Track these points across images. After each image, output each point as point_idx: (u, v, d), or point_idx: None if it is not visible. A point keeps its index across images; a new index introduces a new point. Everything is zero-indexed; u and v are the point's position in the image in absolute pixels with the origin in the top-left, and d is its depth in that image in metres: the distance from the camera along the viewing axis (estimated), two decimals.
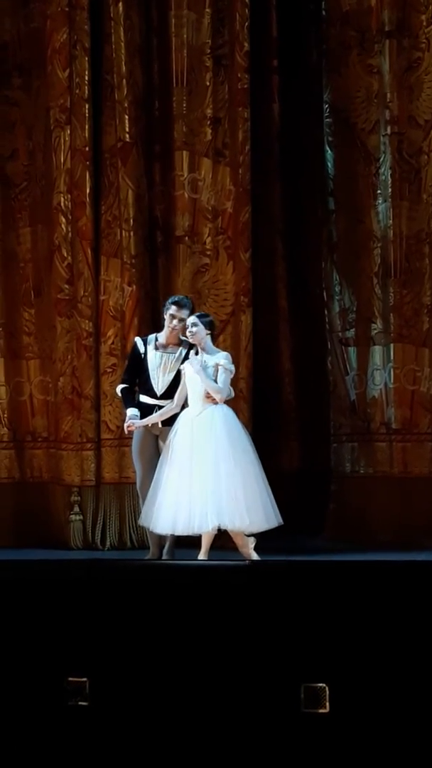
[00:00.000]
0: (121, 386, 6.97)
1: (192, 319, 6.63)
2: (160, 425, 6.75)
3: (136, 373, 6.91)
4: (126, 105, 7.78)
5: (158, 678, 5.60)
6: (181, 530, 6.39)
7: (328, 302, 7.87)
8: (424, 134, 7.47)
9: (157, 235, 7.99)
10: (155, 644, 5.62)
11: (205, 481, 6.32)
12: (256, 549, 6.49)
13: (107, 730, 5.65)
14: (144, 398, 6.84)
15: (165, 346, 6.86)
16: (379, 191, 7.61)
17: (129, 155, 7.80)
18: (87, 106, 7.83)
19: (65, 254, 7.87)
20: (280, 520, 6.46)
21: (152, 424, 6.76)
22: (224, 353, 6.67)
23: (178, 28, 7.88)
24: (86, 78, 7.83)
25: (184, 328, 6.70)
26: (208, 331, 6.62)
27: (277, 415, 7.98)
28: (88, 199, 7.84)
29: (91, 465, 7.83)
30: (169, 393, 6.75)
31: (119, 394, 6.97)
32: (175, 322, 6.80)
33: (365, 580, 5.56)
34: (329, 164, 7.82)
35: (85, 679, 5.67)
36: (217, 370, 6.53)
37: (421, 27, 7.46)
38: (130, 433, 6.88)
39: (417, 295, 7.51)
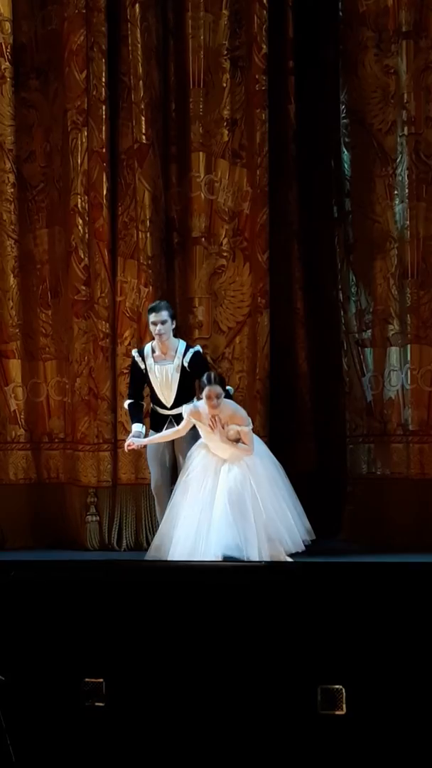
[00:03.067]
0: (127, 402, 7.15)
1: (213, 389, 6.52)
2: (174, 423, 6.80)
3: (141, 386, 7.05)
4: (143, 106, 7.79)
5: (174, 679, 5.61)
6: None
7: (345, 303, 7.86)
8: None
9: (174, 237, 7.99)
10: (171, 645, 5.62)
11: (220, 514, 6.34)
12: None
13: (123, 730, 5.65)
14: (156, 408, 6.93)
15: (162, 356, 6.96)
16: (395, 192, 7.59)
17: (146, 157, 7.81)
18: (104, 108, 7.84)
19: (82, 255, 7.88)
20: (301, 547, 6.52)
21: (167, 424, 6.79)
22: (241, 411, 6.61)
23: (194, 30, 7.88)
24: (103, 80, 7.84)
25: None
26: (224, 394, 6.59)
27: (294, 417, 7.97)
28: (104, 200, 7.85)
29: (108, 466, 7.84)
30: (179, 401, 6.84)
31: (126, 408, 7.12)
32: (159, 326, 6.95)
33: (382, 582, 5.55)
34: (346, 165, 7.81)
35: (101, 680, 5.68)
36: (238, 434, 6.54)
37: None
38: (131, 451, 7.06)
39: None
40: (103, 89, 7.84)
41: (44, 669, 5.76)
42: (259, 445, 6.71)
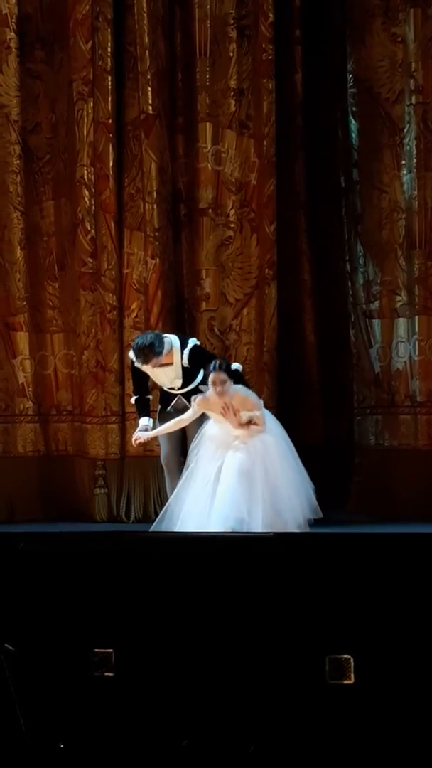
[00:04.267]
0: (133, 398, 7.14)
1: (218, 376, 6.48)
2: (183, 399, 6.79)
3: (145, 383, 7.04)
4: (149, 77, 7.74)
5: (183, 649, 5.63)
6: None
7: (352, 274, 7.84)
8: None
9: (181, 208, 7.96)
10: (180, 615, 5.64)
11: (226, 487, 6.34)
12: None
13: (133, 700, 5.69)
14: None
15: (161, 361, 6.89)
16: (403, 162, 7.55)
17: (152, 127, 7.77)
18: (110, 78, 7.79)
19: (89, 227, 7.85)
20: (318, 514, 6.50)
21: (176, 400, 6.79)
22: (252, 396, 6.58)
23: None
24: (109, 50, 7.78)
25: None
26: (231, 380, 6.54)
27: (301, 388, 7.96)
28: (111, 172, 7.81)
29: (116, 438, 7.85)
30: (186, 383, 6.85)
31: (133, 404, 7.13)
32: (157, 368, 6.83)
33: (389, 553, 5.56)
34: (353, 135, 7.76)
35: (110, 651, 5.70)
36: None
37: None
38: (138, 445, 7.03)
39: None
40: (109, 59, 7.78)
41: (53, 640, 5.79)
42: (271, 421, 6.68)
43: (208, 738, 5.51)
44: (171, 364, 6.90)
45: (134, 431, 7.07)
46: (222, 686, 5.57)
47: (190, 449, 6.70)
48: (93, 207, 7.85)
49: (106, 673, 5.71)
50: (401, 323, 7.58)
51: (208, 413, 6.62)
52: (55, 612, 5.81)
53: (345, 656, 5.41)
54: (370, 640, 5.39)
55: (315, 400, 7.99)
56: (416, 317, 7.48)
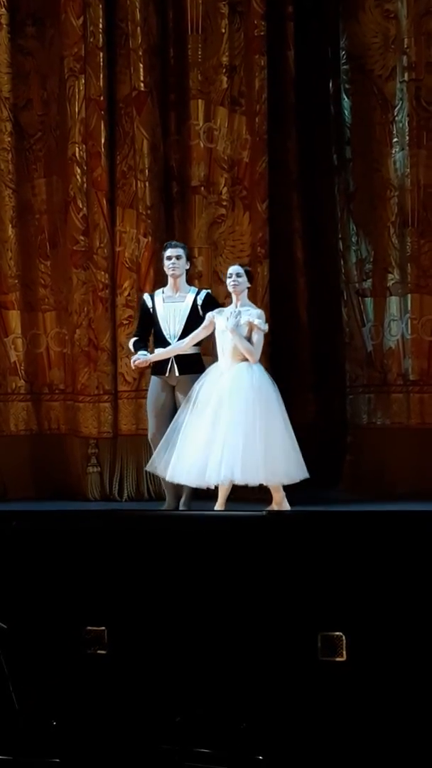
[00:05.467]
0: (133, 339, 7.03)
1: (236, 269, 6.62)
2: (177, 374, 6.75)
3: (148, 327, 6.94)
4: (140, 53, 7.70)
5: (175, 627, 5.64)
6: (195, 481, 6.41)
7: (345, 253, 7.83)
8: None
9: (173, 186, 7.93)
10: (172, 594, 5.65)
11: (224, 434, 6.32)
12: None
13: (125, 678, 5.70)
14: (158, 350, 6.84)
15: (172, 296, 6.86)
16: (396, 139, 7.53)
17: (144, 104, 7.73)
18: (101, 55, 7.75)
19: (80, 205, 7.83)
20: (304, 475, 6.47)
21: (169, 374, 6.76)
22: (258, 311, 6.59)
23: None
24: (100, 26, 7.74)
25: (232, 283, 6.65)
26: (249, 284, 6.58)
27: (294, 367, 7.96)
28: (103, 149, 7.79)
29: (109, 417, 7.85)
30: (185, 332, 6.78)
31: (131, 347, 6.99)
32: (174, 261, 6.84)
33: (382, 531, 5.57)
34: (346, 112, 7.74)
35: (103, 628, 5.72)
36: (251, 330, 6.49)
37: None
38: (138, 368, 6.96)
39: None
40: (101, 36, 7.74)
41: (46, 618, 5.80)
42: (264, 375, 6.59)
43: (201, 715, 5.54)
44: (183, 300, 6.86)
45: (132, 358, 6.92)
46: (214, 664, 5.59)
47: (186, 398, 6.61)
48: (85, 185, 7.82)
49: (99, 651, 5.72)
50: (393, 302, 7.58)
51: (216, 327, 6.55)
52: (47, 590, 5.82)
53: (337, 634, 5.43)
54: (362, 618, 5.41)
55: (307, 379, 8.00)
56: (408, 296, 7.48)
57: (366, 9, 7.56)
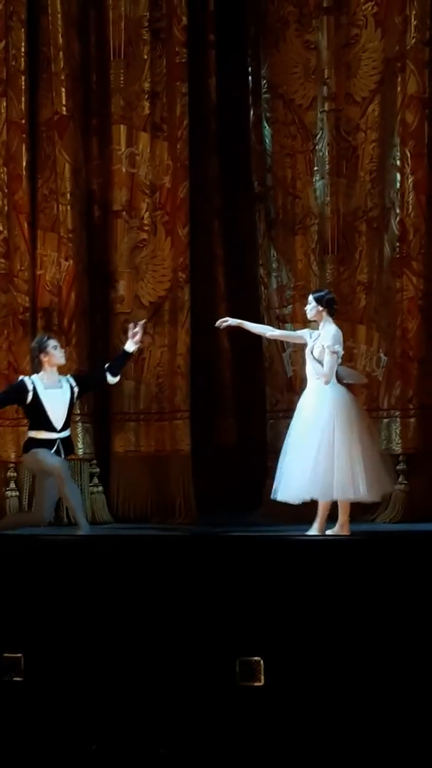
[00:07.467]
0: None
1: (309, 296, 6.62)
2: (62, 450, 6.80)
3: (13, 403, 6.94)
4: (63, 78, 7.71)
5: (93, 653, 5.60)
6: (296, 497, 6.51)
7: (266, 279, 7.89)
8: (361, 111, 7.50)
9: (95, 210, 7.94)
10: (90, 619, 5.61)
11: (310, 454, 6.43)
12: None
13: (42, 705, 5.64)
14: (41, 432, 6.80)
15: (50, 382, 6.84)
16: (316, 168, 7.63)
17: (66, 128, 7.73)
18: (23, 78, 7.74)
19: (1, 228, 7.79)
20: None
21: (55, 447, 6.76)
22: (333, 333, 6.51)
23: (115, 1, 7.82)
24: (22, 50, 7.74)
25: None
26: (321, 308, 6.52)
27: (215, 392, 7.99)
28: (24, 172, 7.76)
29: None
30: (66, 422, 6.82)
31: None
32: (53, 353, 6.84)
33: (299, 555, 5.60)
34: (267, 140, 7.82)
35: (20, 655, 5.65)
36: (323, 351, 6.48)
37: (358, 4, 7.48)
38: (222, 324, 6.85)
39: (353, 272, 7.56)
40: (23, 59, 7.74)
41: None
42: (337, 394, 6.56)
43: (118, 741, 5.49)
44: (61, 387, 6.85)
45: None
46: (132, 689, 5.56)
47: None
48: (6, 207, 7.78)
49: (16, 678, 5.65)
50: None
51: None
52: None
53: (255, 658, 5.43)
54: (280, 643, 5.42)
55: (228, 404, 8.03)
56: None
57: (287, 39, 7.66)
